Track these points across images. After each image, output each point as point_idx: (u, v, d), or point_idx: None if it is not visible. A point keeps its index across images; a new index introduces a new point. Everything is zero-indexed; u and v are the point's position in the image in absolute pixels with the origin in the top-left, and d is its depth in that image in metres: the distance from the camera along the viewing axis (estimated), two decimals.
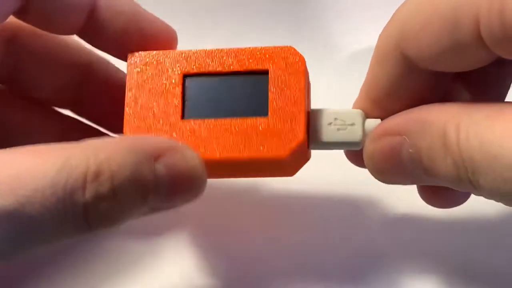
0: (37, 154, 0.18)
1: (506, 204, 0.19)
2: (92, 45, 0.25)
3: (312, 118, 0.23)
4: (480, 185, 0.18)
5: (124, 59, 0.24)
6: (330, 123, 0.23)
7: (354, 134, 0.23)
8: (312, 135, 0.23)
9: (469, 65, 0.20)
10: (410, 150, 0.20)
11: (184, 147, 0.21)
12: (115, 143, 0.19)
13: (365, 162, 0.22)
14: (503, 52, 0.18)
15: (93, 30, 0.24)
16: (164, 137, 0.22)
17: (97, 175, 0.18)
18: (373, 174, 0.22)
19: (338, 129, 0.23)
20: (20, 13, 0.23)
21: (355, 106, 0.23)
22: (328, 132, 0.23)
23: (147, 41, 0.24)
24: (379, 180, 0.22)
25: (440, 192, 0.24)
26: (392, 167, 0.21)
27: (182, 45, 0.36)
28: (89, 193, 0.18)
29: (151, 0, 0.36)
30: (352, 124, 0.23)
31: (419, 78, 0.21)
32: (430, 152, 0.19)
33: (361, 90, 0.23)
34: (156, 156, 0.19)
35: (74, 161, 0.18)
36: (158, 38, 0.24)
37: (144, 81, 0.23)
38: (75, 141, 0.19)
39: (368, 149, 0.22)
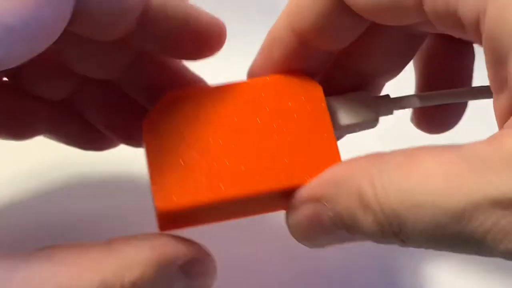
0: (75, 270, 0.19)
1: (436, 249, 0.18)
2: (139, 47, 0.24)
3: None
4: (408, 237, 0.18)
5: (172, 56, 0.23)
6: (343, 108, 0.23)
7: (367, 112, 0.23)
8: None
9: (403, 22, 0.20)
10: (330, 214, 0.20)
11: (207, 257, 0.23)
12: (147, 257, 0.21)
13: (289, 231, 0.22)
14: (440, 26, 0.19)
15: (141, 35, 0.22)
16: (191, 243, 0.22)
17: None
18: (300, 242, 0.22)
19: (353, 112, 0.23)
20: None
21: (270, 34, 0.23)
22: (344, 116, 0.23)
23: (196, 43, 0.23)
24: (306, 245, 0.22)
25: (430, 117, 0.25)
26: (317, 232, 0.21)
27: None
28: None
29: None
30: (363, 106, 0.23)
31: (350, 21, 0.21)
32: (350, 213, 0.19)
33: (280, 16, 0.23)
34: (182, 266, 0.22)
35: (110, 278, 0.19)
36: (208, 39, 0.23)
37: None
38: (107, 246, 0.21)
39: (291, 218, 0.22)
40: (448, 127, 0.26)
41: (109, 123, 0.27)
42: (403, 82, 0.26)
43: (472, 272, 0.27)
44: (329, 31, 0.21)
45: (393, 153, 0.19)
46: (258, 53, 0.23)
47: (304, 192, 0.21)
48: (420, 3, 0.19)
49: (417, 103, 0.24)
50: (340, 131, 0.23)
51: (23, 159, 0.32)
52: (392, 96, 0.24)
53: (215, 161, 0.22)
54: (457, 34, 0.19)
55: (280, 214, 0.29)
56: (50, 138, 0.27)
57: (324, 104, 0.22)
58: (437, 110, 0.25)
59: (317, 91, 0.22)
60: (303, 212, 0.21)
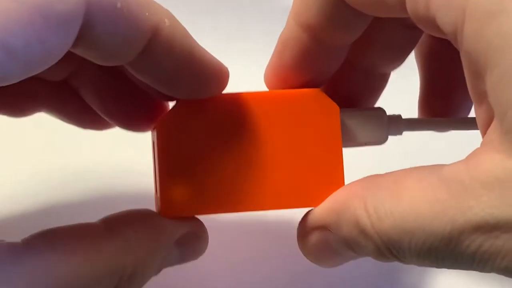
0: (79, 257, 0.19)
1: (436, 267, 0.19)
2: (135, 76, 0.22)
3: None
4: (406, 259, 0.19)
5: (169, 96, 0.22)
6: (354, 122, 0.23)
7: (379, 132, 0.23)
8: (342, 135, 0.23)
9: (391, 16, 0.20)
10: (337, 239, 0.21)
11: (202, 234, 0.23)
12: (147, 239, 0.21)
13: (304, 255, 0.23)
14: (422, 28, 0.19)
15: (142, 64, 0.20)
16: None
17: (130, 279, 0.20)
18: (316, 264, 0.23)
19: (364, 129, 0.23)
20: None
21: (281, 35, 0.23)
22: (355, 133, 0.23)
23: (197, 81, 0.21)
24: (326, 267, 0.23)
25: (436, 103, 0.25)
26: (327, 255, 0.22)
27: None
28: None
29: None
30: (375, 124, 0.23)
31: (352, 14, 0.21)
32: (352, 240, 0.20)
33: (288, 16, 0.23)
34: (177, 240, 0.22)
35: (113, 263, 0.20)
36: (210, 79, 0.21)
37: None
38: (108, 229, 0.21)
39: (302, 245, 0.23)
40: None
41: (105, 106, 0.26)
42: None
43: (471, 272, 0.27)
44: (335, 24, 0.21)
45: (384, 177, 0.20)
46: (272, 55, 0.23)
47: (310, 221, 0.22)
48: (403, 3, 0.18)
49: (429, 127, 0.25)
50: (348, 145, 0.23)
51: (25, 162, 0.32)
52: (404, 117, 0.24)
53: (224, 175, 0.22)
54: (440, 36, 0.19)
55: (280, 214, 0.29)
56: (50, 115, 0.27)
57: (338, 126, 0.22)
58: (442, 104, 0.25)
59: (334, 112, 0.22)
60: (312, 239, 0.22)
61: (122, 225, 0.21)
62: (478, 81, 0.17)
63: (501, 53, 0.16)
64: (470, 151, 0.18)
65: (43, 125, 0.33)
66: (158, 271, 0.22)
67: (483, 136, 0.18)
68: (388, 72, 0.25)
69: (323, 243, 0.22)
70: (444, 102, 0.25)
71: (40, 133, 0.33)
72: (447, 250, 0.17)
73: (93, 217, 0.32)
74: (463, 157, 0.18)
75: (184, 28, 0.20)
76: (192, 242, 0.23)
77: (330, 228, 0.21)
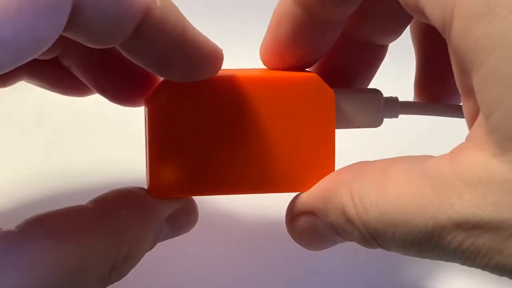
0: (75, 243, 0.19)
1: (420, 257, 0.19)
2: (127, 57, 0.22)
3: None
4: (391, 248, 0.19)
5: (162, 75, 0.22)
6: (350, 104, 0.23)
7: (375, 115, 0.23)
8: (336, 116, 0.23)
9: None
10: (324, 224, 0.21)
11: (192, 209, 0.23)
12: (140, 221, 0.21)
13: (293, 239, 0.23)
14: (412, 14, 0.19)
15: (134, 45, 0.20)
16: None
17: (125, 259, 0.21)
18: (304, 247, 0.23)
19: (360, 111, 0.23)
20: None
21: (275, 10, 0.23)
22: (350, 114, 0.23)
23: (189, 63, 0.21)
24: (308, 249, 0.23)
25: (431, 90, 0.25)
26: (315, 239, 0.22)
27: None
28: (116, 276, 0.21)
29: None
30: (371, 106, 0.23)
31: None
32: (338, 226, 0.20)
33: None
34: (168, 217, 0.23)
35: (108, 248, 0.20)
36: (203, 61, 0.21)
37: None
38: (100, 212, 0.21)
39: (291, 228, 0.23)
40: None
41: (96, 82, 0.25)
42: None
43: (471, 271, 0.27)
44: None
45: (371, 166, 0.20)
46: (267, 31, 0.23)
47: (298, 206, 0.22)
48: None
49: (424, 111, 0.24)
50: (343, 126, 0.23)
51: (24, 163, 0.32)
52: (400, 99, 0.24)
53: (215, 157, 0.22)
54: (428, 23, 0.19)
55: (280, 214, 0.29)
56: (31, 83, 0.26)
57: (332, 112, 0.22)
58: (437, 87, 0.25)
59: (329, 97, 0.22)
60: (301, 223, 0.22)
61: (114, 206, 0.21)
62: (465, 76, 0.17)
63: (486, 54, 0.16)
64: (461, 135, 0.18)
65: (43, 125, 0.34)
66: (151, 247, 0.23)
67: (469, 128, 0.18)
68: (385, 44, 0.25)
69: (311, 227, 0.22)
70: (440, 85, 0.25)
71: (40, 133, 0.33)
72: (430, 244, 0.18)
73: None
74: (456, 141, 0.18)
75: (177, 8, 0.20)
76: (182, 217, 0.23)
77: (317, 214, 0.21)
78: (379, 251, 0.28)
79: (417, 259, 0.28)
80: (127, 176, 0.33)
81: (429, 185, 0.18)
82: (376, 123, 0.23)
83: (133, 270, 0.27)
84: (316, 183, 0.22)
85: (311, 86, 0.22)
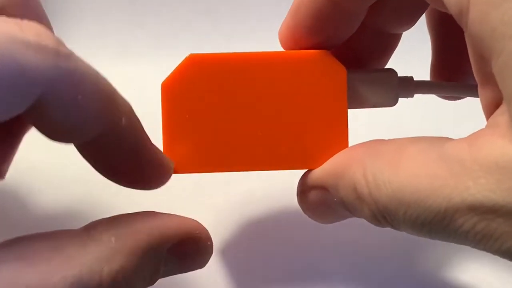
0: (47, 268, 0.18)
1: (429, 238, 0.19)
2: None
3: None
4: (400, 227, 0.19)
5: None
6: (364, 83, 0.23)
7: (389, 94, 0.23)
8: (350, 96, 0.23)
9: None
10: (335, 199, 0.21)
11: (201, 232, 0.22)
12: (129, 245, 0.19)
13: (303, 211, 0.23)
14: (429, 1, 0.19)
15: (86, 150, 0.20)
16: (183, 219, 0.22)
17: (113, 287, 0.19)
18: (314, 220, 0.23)
19: (374, 90, 0.23)
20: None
21: None
22: (365, 94, 0.23)
23: (135, 180, 0.21)
24: (320, 223, 0.23)
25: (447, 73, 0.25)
26: (325, 212, 0.23)
27: (182, 44, 0.36)
28: None
29: (152, 0, 0.36)
30: (386, 85, 0.23)
31: None
32: (349, 203, 0.21)
33: None
34: (171, 248, 0.21)
35: (86, 273, 0.18)
36: (150, 180, 0.21)
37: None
38: (86, 235, 0.19)
39: (302, 201, 0.23)
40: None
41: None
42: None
43: (471, 270, 0.27)
44: None
45: (386, 144, 0.20)
46: (288, 14, 0.23)
47: (310, 180, 0.22)
48: None
49: (439, 90, 0.24)
50: (358, 106, 0.23)
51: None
52: (415, 79, 0.24)
53: (229, 135, 0.22)
54: (444, 11, 0.19)
55: (279, 213, 0.29)
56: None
57: (344, 88, 0.22)
58: (453, 71, 0.25)
59: (340, 74, 0.22)
60: (311, 197, 0.22)
61: (101, 232, 0.19)
62: (483, 63, 0.18)
63: (505, 40, 0.16)
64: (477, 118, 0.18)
65: None
66: (150, 281, 0.20)
67: (486, 116, 0.19)
68: (400, 33, 0.25)
69: (322, 201, 0.22)
70: (456, 71, 0.25)
71: (40, 133, 0.33)
72: (441, 225, 0.18)
73: (93, 217, 0.32)
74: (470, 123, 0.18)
75: (139, 126, 0.20)
76: (192, 250, 0.22)
77: (329, 189, 0.21)
78: (379, 250, 0.28)
79: (416, 257, 0.28)
80: None
81: (445, 167, 0.18)
82: (391, 102, 0.23)
83: None
84: (328, 159, 0.22)
85: (322, 62, 0.22)
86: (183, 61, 0.22)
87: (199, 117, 0.22)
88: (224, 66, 0.22)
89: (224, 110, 0.22)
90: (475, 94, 0.24)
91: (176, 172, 0.22)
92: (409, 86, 0.24)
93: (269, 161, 0.22)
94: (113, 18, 0.36)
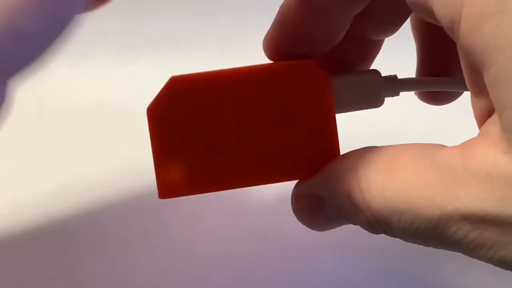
0: None
1: (424, 245, 0.19)
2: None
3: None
4: (395, 235, 0.20)
5: None
6: (349, 87, 0.23)
7: (375, 95, 0.23)
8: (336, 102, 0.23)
9: None
10: (330, 207, 0.21)
11: None
12: None
13: (297, 218, 0.23)
14: (419, 14, 0.19)
15: None
16: None
17: None
18: (308, 227, 0.23)
19: (359, 92, 0.23)
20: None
21: (283, 6, 0.22)
22: (350, 96, 0.23)
23: None
24: (315, 230, 0.23)
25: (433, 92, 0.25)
26: (322, 221, 0.22)
27: (183, 45, 0.36)
28: None
29: (152, 0, 0.36)
30: (370, 86, 0.23)
31: None
32: (344, 210, 0.21)
33: None
34: None
35: None
36: None
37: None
38: None
39: (295, 207, 0.23)
40: (450, 99, 0.26)
41: None
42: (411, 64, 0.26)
43: (471, 270, 0.27)
44: None
45: (380, 152, 0.20)
46: (271, 25, 0.23)
47: (304, 190, 0.22)
48: None
49: (424, 87, 0.24)
50: (345, 109, 0.23)
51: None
52: (399, 77, 0.24)
53: (219, 153, 0.22)
54: (435, 23, 0.19)
55: (280, 212, 0.29)
56: None
57: (331, 96, 0.22)
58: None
59: (325, 81, 0.22)
60: (305, 204, 0.22)
61: None
62: (475, 74, 0.18)
63: (497, 54, 0.16)
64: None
65: (43, 125, 0.34)
66: None
67: (478, 125, 0.19)
68: (382, 39, 0.25)
69: (316, 209, 0.22)
70: (442, 74, 0.25)
71: (40, 133, 0.33)
72: (435, 233, 0.18)
73: (93, 217, 0.32)
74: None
75: None
76: None
77: (323, 197, 0.21)
78: (378, 251, 0.28)
79: (417, 260, 0.28)
80: (127, 176, 0.33)
81: (437, 175, 0.18)
82: (377, 103, 0.23)
83: (133, 270, 0.27)
84: (321, 168, 0.22)
85: (306, 71, 0.22)
86: (165, 84, 0.22)
87: (188, 138, 0.22)
88: (208, 85, 0.21)
89: (212, 128, 0.22)
90: (461, 88, 0.24)
91: (171, 196, 0.22)
92: (393, 85, 0.23)
93: (262, 176, 0.22)
94: (113, 18, 0.36)
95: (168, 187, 0.22)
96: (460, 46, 0.18)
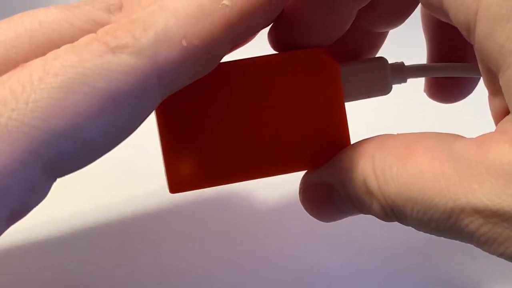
0: None
1: (436, 235, 0.20)
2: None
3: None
4: (408, 223, 0.20)
5: None
6: (356, 75, 0.23)
7: (383, 82, 0.23)
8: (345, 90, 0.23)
9: None
10: (341, 196, 0.21)
11: None
12: None
13: (305, 209, 0.23)
14: (435, 15, 0.19)
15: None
16: None
17: None
18: (315, 218, 0.23)
19: (367, 80, 0.23)
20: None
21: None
22: (358, 84, 0.23)
23: None
24: (322, 221, 0.23)
25: (442, 86, 0.25)
26: (331, 211, 0.22)
27: None
28: None
29: None
30: (377, 74, 0.23)
31: None
32: (357, 198, 0.21)
33: None
34: None
35: None
36: None
37: None
38: None
39: (304, 197, 0.23)
40: (460, 97, 0.26)
41: None
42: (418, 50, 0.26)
43: (471, 270, 0.27)
44: None
45: (395, 139, 0.20)
46: (278, 17, 0.22)
47: (315, 177, 0.22)
48: None
49: (432, 73, 0.24)
50: (353, 98, 0.23)
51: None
52: (406, 64, 0.24)
53: (229, 145, 0.22)
54: (450, 23, 0.19)
55: (281, 212, 0.29)
56: None
57: (339, 85, 0.22)
58: (450, 79, 0.25)
59: (334, 70, 0.22)
60: (314, 194, 0.22)
61: None
62: (492, 75, 0.18)
63: (511, 57, 0.17)
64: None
65: None
66: None
67: (495, 122, 0.19)
68: (387, 31, 0.25)
69: (325, 198, 0.22)
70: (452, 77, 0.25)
71: None
72: (447, 224, 0.18)
73: (93, 217, 0.32)
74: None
75: None
76: None
77: (335, 185, 0.21)
78: (380, 251, 0.28)
79: (418, 260, 0.28)
80: (128, 175, 0.33)
81: (452, 166, 0.18)
82: (385, 90, 0.23)
83: (132, 270, 0.27)
84: (331, 157, 0.22)
85: (314, 60, 0.22)
86: None
87: (196, 131, 0.21)
88: (215, 77, 0.21)
89: (220, 120, 0.21)
90: (470, 73, 0.24)
91: (182, 190, 0.22)
92: (401, 71, 0.23)
93: (271, 167, 0.22)
94: None
95: (178, 181, 0.21)
96: (476, 49, 0.18)
